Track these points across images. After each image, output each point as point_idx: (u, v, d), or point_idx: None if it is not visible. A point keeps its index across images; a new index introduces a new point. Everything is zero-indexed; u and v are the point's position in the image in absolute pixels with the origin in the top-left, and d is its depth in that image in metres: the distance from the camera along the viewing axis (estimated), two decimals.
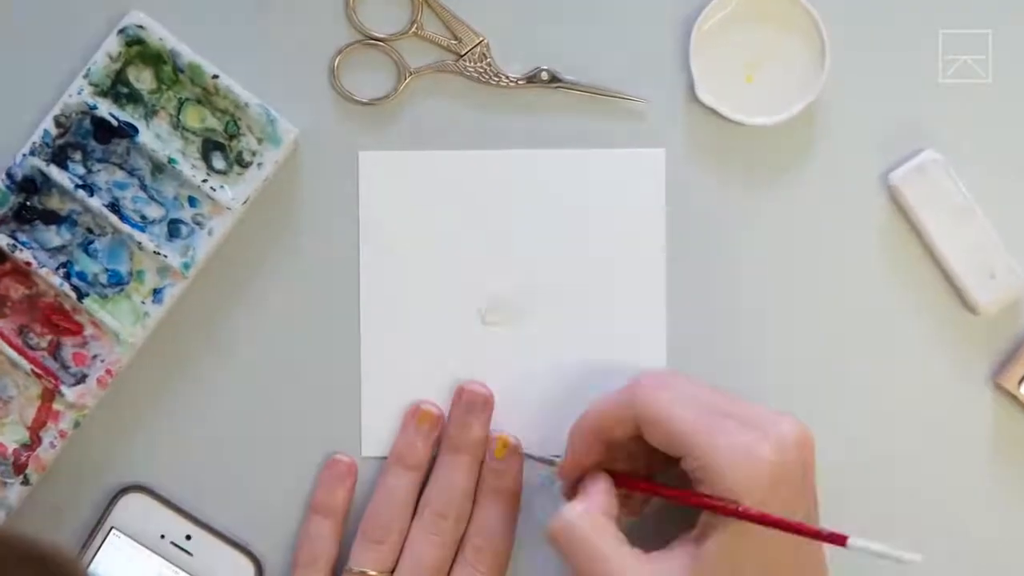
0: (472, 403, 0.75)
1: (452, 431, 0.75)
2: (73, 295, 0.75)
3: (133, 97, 0.75)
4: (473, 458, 0.75)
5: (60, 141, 0.75)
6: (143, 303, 0.75)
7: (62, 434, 0.75)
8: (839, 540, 0.64)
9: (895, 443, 0.77)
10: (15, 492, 0.74)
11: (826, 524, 0.67)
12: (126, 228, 0.75)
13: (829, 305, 0.77)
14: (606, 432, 0.71)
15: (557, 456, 0.73)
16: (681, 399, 0.69)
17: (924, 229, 0.76)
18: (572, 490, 0.73)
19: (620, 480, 0.72)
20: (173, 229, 0.76)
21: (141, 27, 0.74)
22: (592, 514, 0.70)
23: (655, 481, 0.72)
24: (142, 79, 0.75)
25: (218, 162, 0.75)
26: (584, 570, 0.69)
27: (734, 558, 0.67)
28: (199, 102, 0.75)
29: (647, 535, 0.71)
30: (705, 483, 0.68)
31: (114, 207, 0.75)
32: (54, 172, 0.74)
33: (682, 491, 0.69)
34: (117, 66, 0.75)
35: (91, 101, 0.74)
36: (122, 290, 0.75)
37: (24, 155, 0.74)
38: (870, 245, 0.76)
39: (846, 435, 0.76)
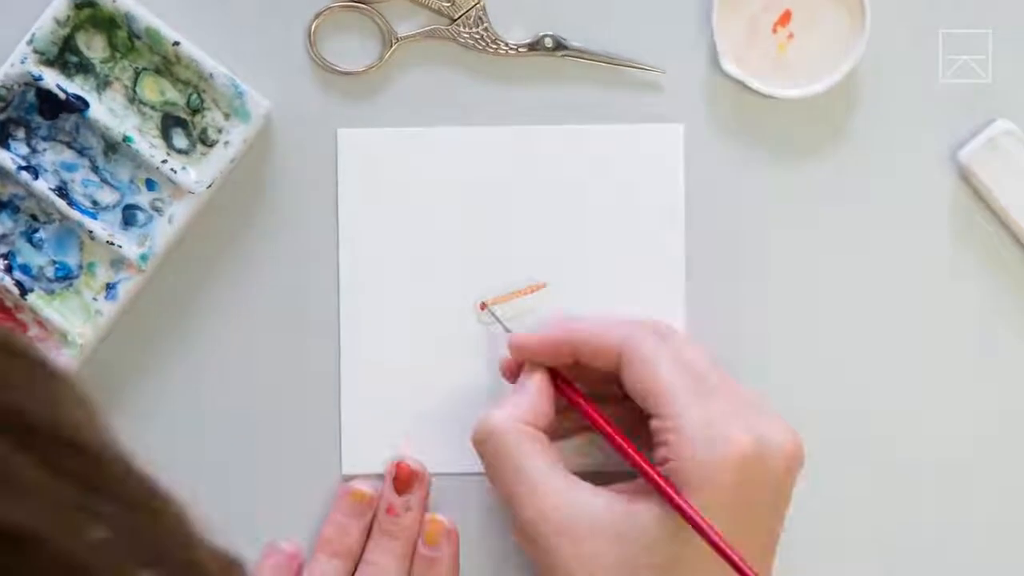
0: (407, 480, 0.73)
1: (382, 513, 0.74)
2: (15, 290, 0.73)
3: (83, 67, 0.74)
4: (407, 543, 0.73)
5: (0, 116, 0.73)
6: (95, 300, 0.74)
7: None
8: (744, 573, 0.64)
9: (977, 444, 0.75)
10: None
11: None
12: (75, 215, 0.73)
13: (885, 302, 0.75)
14: (583, 353, 0.70)
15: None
16: (677, 357, 0.68)
17: (1000, 209, 0.74)
18: (511, 371, 0.72)
19: (563, 388, 0.71)
20: (129, 216, 0.74)
21: None
22: (518, 425, 0.69)
23: (601, 410, 0.70)
24: (93, 46, 0.74)
25: (179, 140, 0.74)
26: (504, 485, 0.69)
27: (664, 540, 0.66)
28: (158, 72, 0.74)
29: None
30: (665, 449, 0.67)
31: (62, 191, 0.73)
32: None
33: (628, 444, 0.68)
34: (65, 31, 0.73)
35: (35, 71, 0.73)
36: (71, 285, 0.74)
37: None
38: (932, 229, 0.75)
39: (919, 435, 0.75)
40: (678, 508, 0.65)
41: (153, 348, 0.75)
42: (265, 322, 0.75)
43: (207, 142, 0.73)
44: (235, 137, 0.73)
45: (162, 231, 0.73)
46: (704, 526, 0.64)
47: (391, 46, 0.74)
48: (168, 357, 0.75)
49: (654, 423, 0.67)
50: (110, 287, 0.73)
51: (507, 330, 0.72)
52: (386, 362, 0.74)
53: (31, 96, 0.73)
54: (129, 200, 0.74)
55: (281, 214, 0.75)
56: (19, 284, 0.73)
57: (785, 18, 0.73)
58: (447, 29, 0.74)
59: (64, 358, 0.72)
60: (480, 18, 0.74)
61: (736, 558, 0.64)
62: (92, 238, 0.73)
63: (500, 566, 0.75)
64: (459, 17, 0.74)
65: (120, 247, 0.73)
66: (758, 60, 0.73)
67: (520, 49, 0.74)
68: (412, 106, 0.74)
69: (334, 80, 0.74)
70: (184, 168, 0.73)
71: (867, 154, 0.75)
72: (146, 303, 0.74)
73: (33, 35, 0.72)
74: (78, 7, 0.72)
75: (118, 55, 0.73)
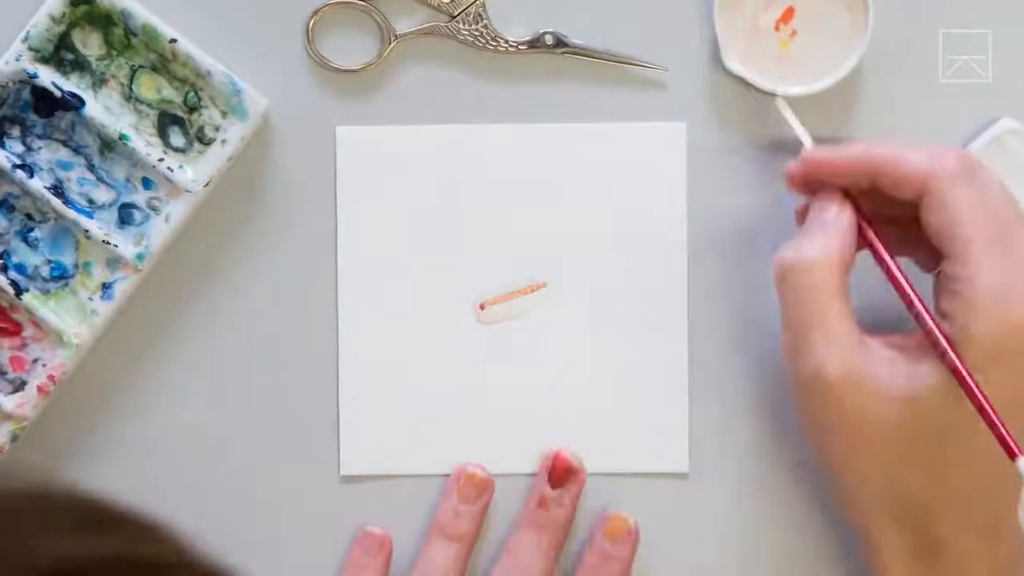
0: (564, 474, 0.73)
1: (532, 504, 0.73)
2: (10, 290, 0.73)
3: (79, 64, 0.73)
4: (553, 538, 0.73)
5: None
6: (91, 299, 0.73)
7: None
8: (1010, 451, 0.63)
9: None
10: None
11: None
12: (71, 214, 0.73)
13: (888, 299, 0.73)
14: (886, 179, 0.67)
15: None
16: (983, 203, 0.66)
17: None
18: (799, 182, 0.70)
19: (867, 236, 0.69)
20: (125, 215, 0.74)
21: None
22: (834, 262, 0.67)
23: (898, 264, 0.68)
24: (89, 44, 0.73)
25: (176, 138, 0.73)
26: (803, 325, 0.67)
27: (947, 401, 0.65)
28: (154, 70, 0.73)
29: None
30: (952, 298, 0.66)
31: (57, 190, 0.73)
32: None
33: (919, 300, 0.67)
34: (61, 29, 0.73)
35: (31, 68, 0.72)
36: (67, 285, 0.73)
37: None
38: None
39: None
40: (956, 375, 0.64)
41: (149, 348, 0.74)
42: (263, 322, 0.74)
43: (204, 140, 0.73)
44: (232, 135, 0.72)
45: (159, 230, 0.72)
46: (974, 392, 0.64)
47: (390, 43, 0.74)
48: (164, 357, 0.74)
49: (947, 267, 0.66)
50: (106, 287, 0.73)
51: (804, 136, 0.71)
52: (385, 362, 0.74)
53: (26, 94, 0.72)
54: (125, 199, 0.73)
55: (279, 213, 0.74)
56: (14, 284, 0.72)
57: (788, 15, 0.73)
58: (446, 26, 0.73)
59: (59, 358, 0.72)
60: (480, 15, 0.73)
61: (1002, 425, 0.63)
62: (88, 237, 0.72)
63: None
64: (459, 14, 0.73)
65: (116, 246, 0.72)
66: (760, 58, 0.73)
67: (520, 46, 0.74)
68: (411, 104, 0.74)
69: (332, 77, 0.74)
70: (181, 166, 0.72)
71: None
72: (142, 303, 0.74)
73: (28, 32, 0.72)
74: (74, 4, 0.72)
75: (114, 52, 0.73)
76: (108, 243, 0.72)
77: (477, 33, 0.73)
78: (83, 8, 0.72)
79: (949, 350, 0.64)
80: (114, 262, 0.73)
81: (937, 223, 0.66)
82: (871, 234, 0.68)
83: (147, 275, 0.73)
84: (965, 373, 0.64)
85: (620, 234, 0.74)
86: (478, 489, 0.73)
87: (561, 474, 0.72)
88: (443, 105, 0.74)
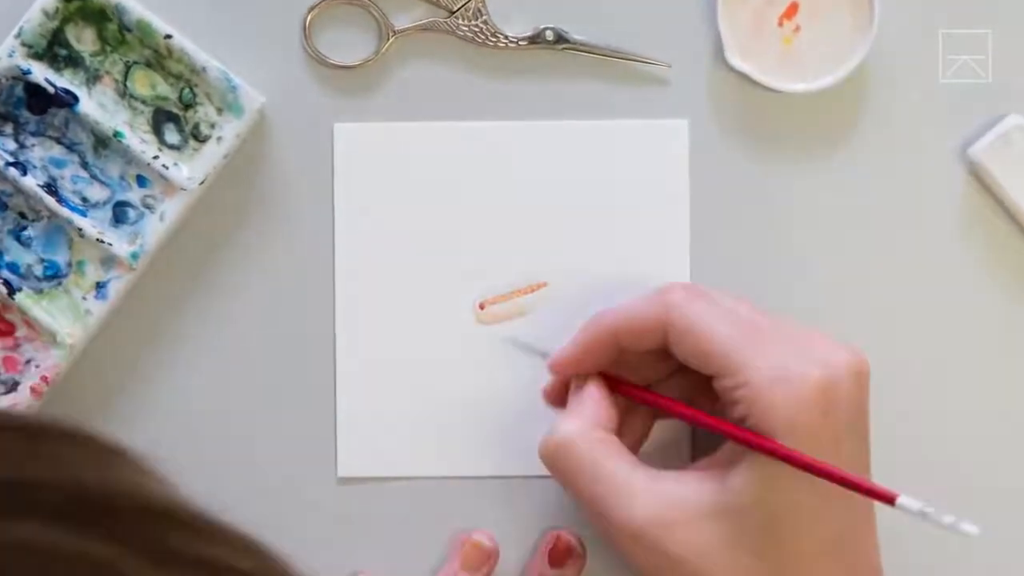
0: (564, 553, 0.73)
1: None
2: (3, 290, 0.73)
3: (73, 60, 0.73)
4: None
5: None
6: (84, 299, 0.73)
7: None
8: (887, 498, 0.63)
9: (979, 443, 0.75)
10: None
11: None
12: (65, 212, 0.72)
13: (890, 297, 0.74)
14: (626, 337, 0.68)
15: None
16: (721, 311, 0.67)
17: (1012, 203, 0.73)
18: (557, 394, 0.71)
19: (624, 389, 0.70)
20: (119, 213, 0.74)
21: None
22: (591, 429, 0.68)
23: (668, 396, 0.70)
24: (83, 39, 0.73)
25: (171, 136, 0.73)
26: (586, 494, 0.68)
27: (767, 497, 0.65)
28: (149, 66, 0.73)
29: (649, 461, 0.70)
30: (741, 406, 0.65)
31: (51, 188, 0.73)
32: None
33: (703, 413, 0.68)
34: (54, 24, 0.73)
35: (24, 65, 0.72)
36: (60, 284, 0.73)
37: None
38: (937, 225, 0.75)
39: (920, 434, 0.74)
40: (786, 457, 0.64)
41: (144, 349, 0.74)
42: (259, 322, 0.74)
43: (199, 137, 0.73)
44: (228, 132, 0.72)
45: (153, 229, 0.72)
46: (816, 464, 0.63)
47: (388, 39, 0.73)
48: (160, 358, 0.74)
49: (720, 384, 0.66)
50: (100, 286, 0.73)
51: (544, 354, 0.71)
52: (383, 362, 0.74)
53: (19, 90, 0.72)
54: (120, 197, 0.73)
55: (276, 211, 0.74)
56: (7, 283, 0.72)
57: (791, 11, 0.73)
58: (445, 22, 0.73)
59: (52, 359, 0.72)
60: (479, 10, 0.73)
61: (862, 482, 0.63)
62: (82, 236, 0.72)
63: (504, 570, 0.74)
64: (458, 9, 0.73)
65: (110, 245, 0.72)
66: (764, 54, 0.73)
67: (520, 42, 0.73)
68: (410, 101, 0.74)
69: (330, 74, 0.74)
70: (176, 164, 0.72)
71: (871, 150, 0.74)
72: (137, 302, 0.74)
73: (21, 28, 0.72)
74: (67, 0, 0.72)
75: (108, 48, 0.73)
76: (102, 242, 0.72)
77: (477, 29, 0.73)
78: (77, 3, 0.72)
79: (755, 437, 0.64)
80: (108, 261, 0.72)
81: (690, 350, 0.66)
82: (633, 390, 0.69)
83: (142, 274, 0.73)
84: (780, 446, 0.64)
85: (621, 232, 0.74)
86: (482, 558, 0.72)
87: (561, 555, 0.72)
88: (442, 102, 0.74)
